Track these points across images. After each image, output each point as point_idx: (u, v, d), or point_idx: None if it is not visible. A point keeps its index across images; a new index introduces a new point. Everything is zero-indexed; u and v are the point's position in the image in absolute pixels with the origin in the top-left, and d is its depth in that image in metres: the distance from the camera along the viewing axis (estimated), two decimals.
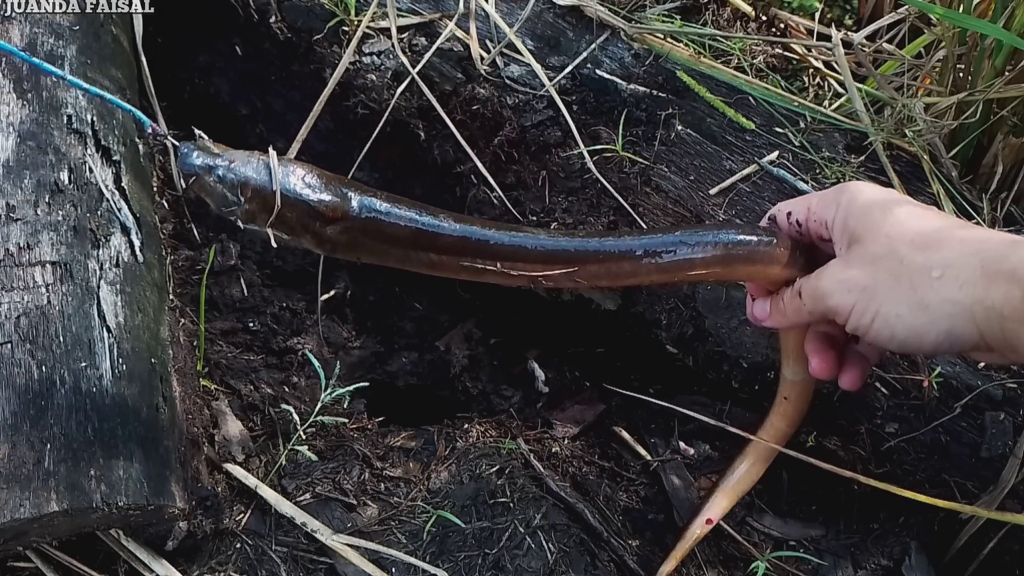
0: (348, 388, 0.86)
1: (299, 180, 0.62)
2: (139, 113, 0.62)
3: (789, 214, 0.70)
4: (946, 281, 0.57)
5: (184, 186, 0.61)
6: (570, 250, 0.68)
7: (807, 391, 0.80)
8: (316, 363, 0.87)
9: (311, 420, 0.86)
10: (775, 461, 0.84)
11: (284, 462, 0.86)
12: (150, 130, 0.61)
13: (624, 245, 0.68)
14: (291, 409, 0.87)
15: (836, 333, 0.71)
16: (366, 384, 0.89)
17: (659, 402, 0.82)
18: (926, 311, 0.57)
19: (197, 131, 0.62)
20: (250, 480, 0.84)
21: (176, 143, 0.61)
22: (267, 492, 0.83)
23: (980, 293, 0.55)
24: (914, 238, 0.60)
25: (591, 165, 0.91)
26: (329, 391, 0.85)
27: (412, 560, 0.80)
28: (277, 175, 0.61)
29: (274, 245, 0.62)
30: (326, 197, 0.62)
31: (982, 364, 0.83)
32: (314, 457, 0.87)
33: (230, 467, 0.85)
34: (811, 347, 0.71)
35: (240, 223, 0.61)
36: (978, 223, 0.88)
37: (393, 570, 0.80)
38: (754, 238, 0.69)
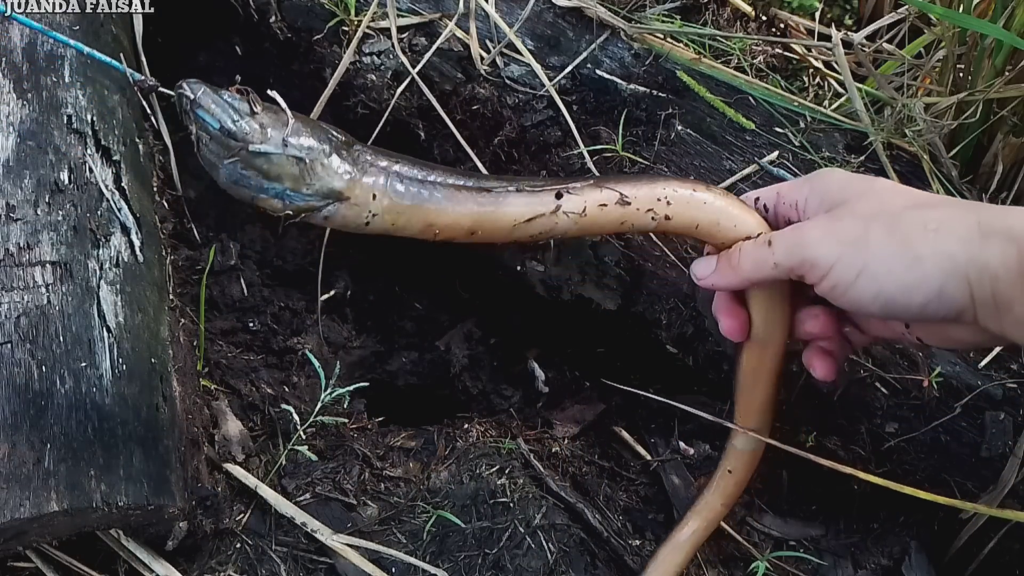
0: (348, 388, 0.86)
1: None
2: (121, 65, 0.60)
3: (757, 199, 0.68)
4: (943, 235, 0.54)
5: (191, 98, 0.58)
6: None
7: (753, 464, 0.76)
8: (316, 363, 0.87)
9: (311, 420, 0.86)
10: (771, 463, 0.83)
11: (284, 462, 0.86)
12: (139, 80, 0.59)
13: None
14: (291, 409, 0.87)
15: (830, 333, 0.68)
16: (366, 384, 0.89)
17: (654, 397, 0.80)
18: (920, 265, 0.55)
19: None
20: (250, 480, 0.84)
21: (165, 90, 0.59)
22: (267, 492, 0.83)
23: (976, 250, 0.53)
24: (907, 199, 0.58)
25: (591, 165, 0.91)
26: (329, 391, 0.85)
27: (412, 560, 0.80)
28: (282, 99, 0.59)
29: (283, 179, 0.57)
30: (335, 131, 0.60)
31: (982, 364, 0.83)
32: (314, 457, 0.86)
33: (230, 467, 0.85)
34: (811, 354, 0.69)
35: (250, 144, 0.56)
36: None
37: (393, 570, 0.80)
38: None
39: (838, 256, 0.58)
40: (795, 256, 0.60)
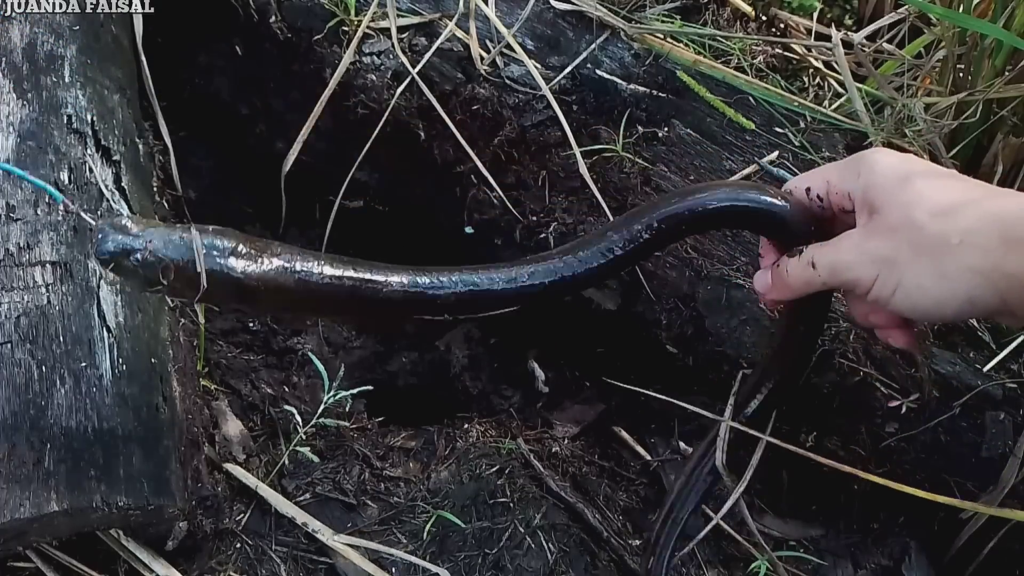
0: (351, 391, 0.86)
1: (224, 254, 0.59)
2: (52, 189, 0.62)
3: (808, 190, 0.69)
4: (965, 248, 0.57)
5: (101, 271, 0.59)
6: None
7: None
8: (319, 364, 0.86)
9: (313, 421, 0.86)
10: (771, 463, 0.83)
11: (286, 462, 0.86)
12: (61, 205, 0.60)
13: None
14: (293, 410, 0.87)
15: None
16: (370, 388, 0.89)
17: (653, 394, 0.80)
18: (947, 280, 0.57)
19: (115, 207, 0.60)
20: (250, 480, 0.84)
21: (91, 220, 0.59)
22: (267, 492, 0.83)
23: (999, 260, 0.55)
24: (933, 207, 0.59)
25: (583, 168, 0.91)
26: (332, 393, 0.85)
27: (413, 559, 0.80)
28: (201, 256, 0.58)
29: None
30: (253, 269, 0.59)
31: (986, 368, 0.83)
32: (315, 457, 0.86)
33: (230, 467, 0.85)
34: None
35: (168, 299, 0.58)
36: None
37: (393, 570, 0.80)
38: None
39: (875, 274, 0.61)
40: (839, 278, 0.65)
